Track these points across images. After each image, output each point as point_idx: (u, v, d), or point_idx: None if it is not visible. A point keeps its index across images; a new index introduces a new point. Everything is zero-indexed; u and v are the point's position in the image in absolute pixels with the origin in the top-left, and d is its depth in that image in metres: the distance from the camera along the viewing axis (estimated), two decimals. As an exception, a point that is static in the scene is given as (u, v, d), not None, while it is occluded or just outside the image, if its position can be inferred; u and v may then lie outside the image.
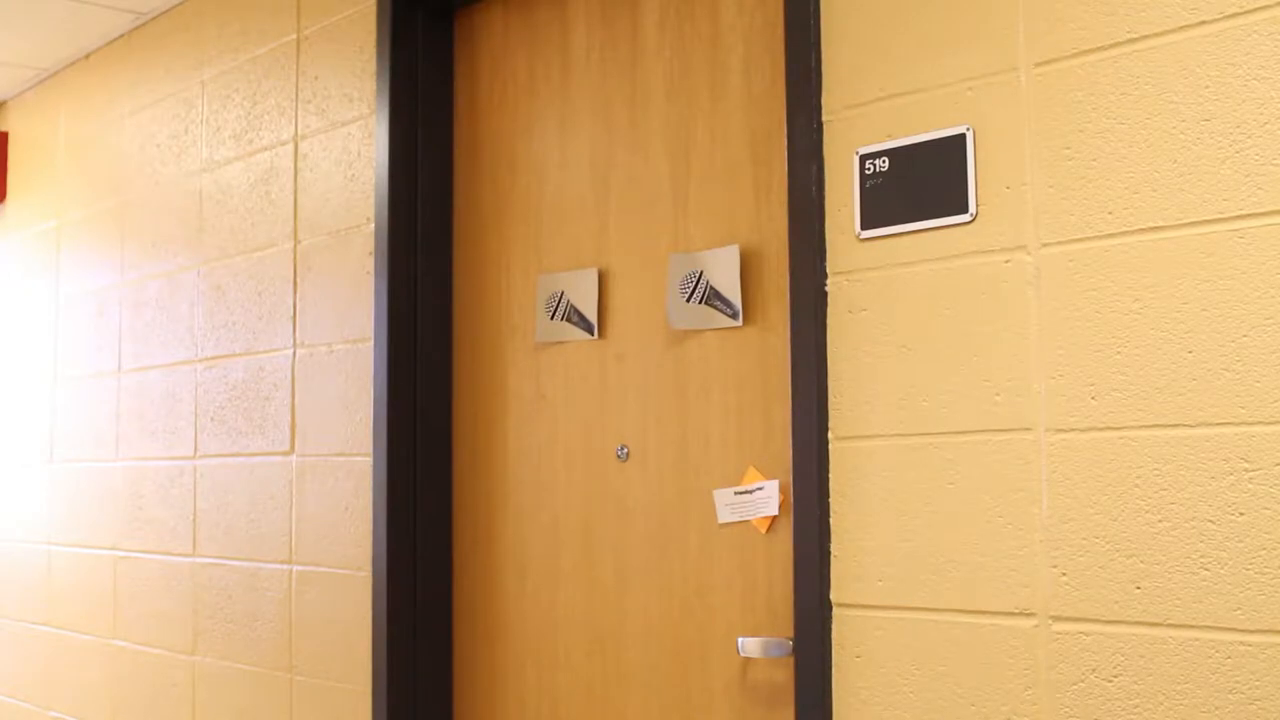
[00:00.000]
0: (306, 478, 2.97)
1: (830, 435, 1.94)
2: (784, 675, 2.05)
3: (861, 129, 1.93)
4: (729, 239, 2.23)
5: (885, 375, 1.88)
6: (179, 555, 3.38)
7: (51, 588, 3.99)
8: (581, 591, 2.44)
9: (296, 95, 3.10)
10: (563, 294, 2.50)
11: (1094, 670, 1.64)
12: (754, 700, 2.13)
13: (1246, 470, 1.52)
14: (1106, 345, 1.65)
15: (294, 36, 3.13)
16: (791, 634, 1.98)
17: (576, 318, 2.47)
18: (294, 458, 3.00)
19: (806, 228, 1.98)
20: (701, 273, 2.23)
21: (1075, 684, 1.65)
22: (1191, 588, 1.56)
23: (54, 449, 4.03)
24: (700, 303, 2.24)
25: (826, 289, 1.96)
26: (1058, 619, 1.68)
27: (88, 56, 4.02)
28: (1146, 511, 1.60)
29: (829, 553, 1.93)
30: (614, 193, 2.44)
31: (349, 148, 2.92)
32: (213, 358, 3.31)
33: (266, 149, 3.19)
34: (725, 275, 2.20)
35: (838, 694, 1.90)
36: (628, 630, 2.34)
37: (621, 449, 2.38)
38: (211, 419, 3.29)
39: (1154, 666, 1.58)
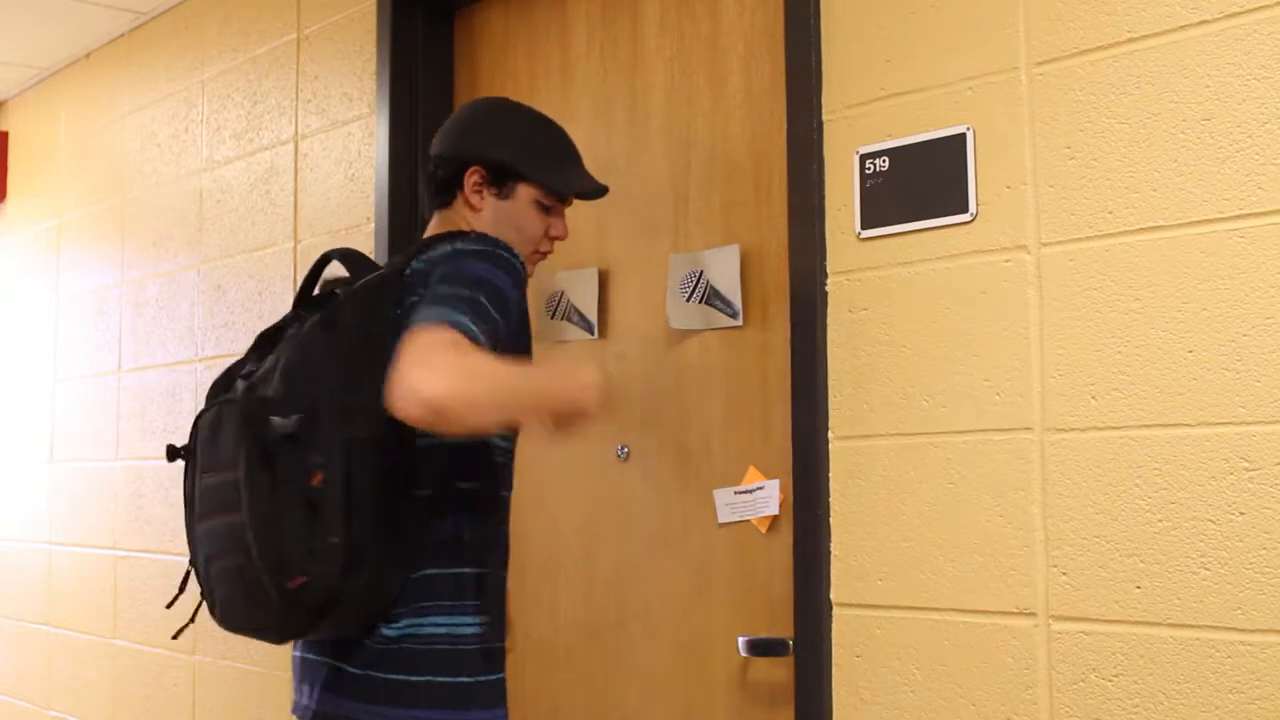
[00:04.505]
0: (306, 477, 2.96)
1: (830, 435, 1.94)
2: (784, 675, 2.05)
3: (861, 129, 1.93)
4: (729, 239, 2.23)
5: (885, 375, 1.88)
6: (179, 555, 3.38)
7: (51, 588, 3.99)
8: (582, 591, 2.44)
9: (296, 95, 3.10)
10: (563, 294, 2.50)
11: (1094, 670, 1.64)
12: (754, 700, 2.13)
13: (1246, 470, 1.52)
14: (1106, 345, 1.65)
15: (294, 36, 3.13)
16: (791, 634, 1.98)
17: (576, 317, 2.46)
18: (294, 457, 3.00)
19: (806, 228, 1.98)
20: (701, 272, 2.23)
21: (1075, 684, 1.65)
22: (1191, 588, 1.56)
23: (54, 449, 4.04)
24: (700, 302, 2.24)
25: (826, 289, 1.96)
26: (1058, 619, 1.68)
27: (88, 56, 4.02)
28: (1146, 511, 1.60)
29: (829, 553, 1.93)
30: (614, 192, 2.43)
31: (349, 148, 2.92)
32: (213, 357, 3.31)
33: (266, 149, 3.19)
34: (725, 275, 2.20)
35: (838, 694, 1.90)
36: (628, 629, 2.34)
37: (621, 449, 2.38)
38: (211, 419, 3.29)
39: (1154, 666, 1.58)
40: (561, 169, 1.96)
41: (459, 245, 1.80)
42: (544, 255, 2.00)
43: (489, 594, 1.81)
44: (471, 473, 1.82)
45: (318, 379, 1.69)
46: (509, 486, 1.87)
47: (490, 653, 1.80)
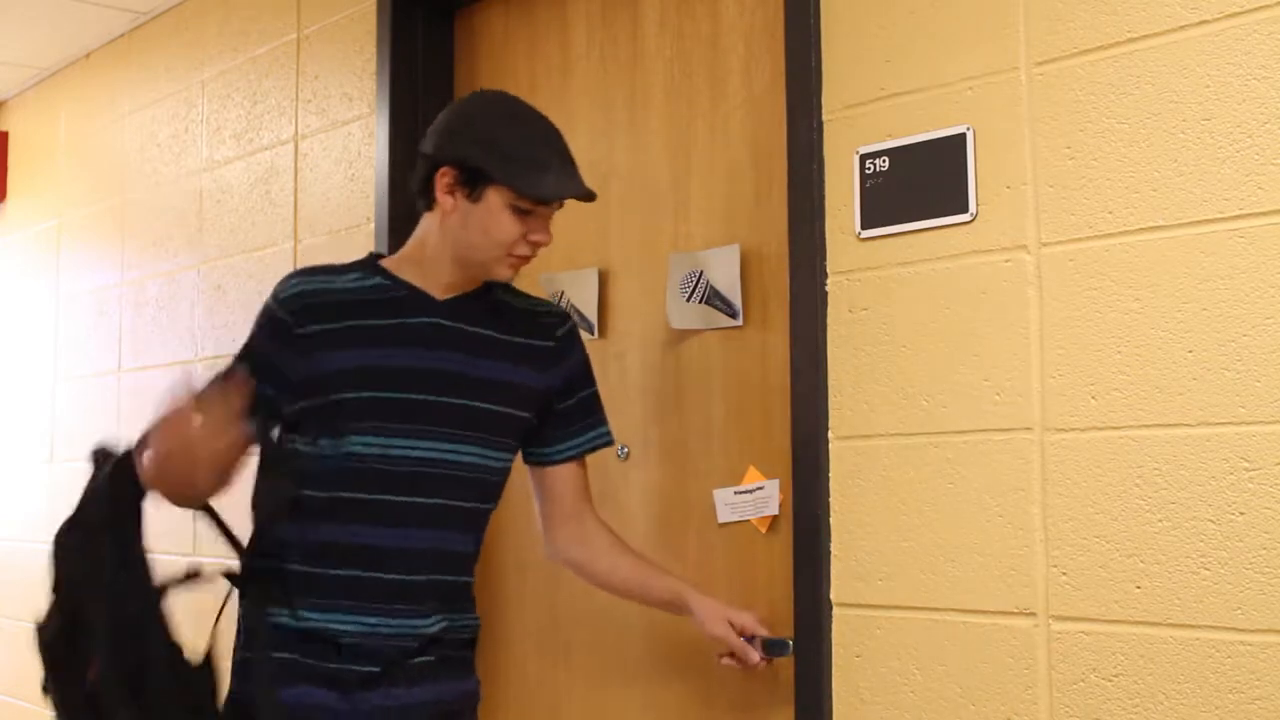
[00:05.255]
0: (306, 477, 2.96)
1: (830, 435, 1.94)
2: (784, 675, 2.04)
3: (861, 129, 1.93)
4: (729, 239, 2.23)
5: (885, 375, 1.88)
6: (179, 555, 3.38)
7: (52, 587, 3.98)
8: (582, 590, 2.43)
9: (296, 95, 3.10)
10: (563, 294, 2.50)
11: (1094, 670, 1.64)
12: (754, 700, 2.13)
13: (1246, 470, 1.52)
14: (1106, 345, 1.65)
15: (294, 36, 3.13)
16: (791, 634, 1.98)
17: (577, 317, 2.46)
18: (294, 457, 3.00)
19: (806, 228, 1.98)
20: (701, 272, 2.23)
21: (1075, 684, 1.65)
22: (1191, 588, 1.56)
23: (54, 449, 4.04)
24: (700, 302, 2.24)
25: (826, 289, 1.96)
26: (1058, 619, 1.68)
27: (88, 56, 4.02)
28: (1146, 511, 1.60)
29: (829, 553, 1.93)
30: (614, 193, 2.43)
31: (349, 147, 2.92)
32: (213, 357, 3.31)
33: (266, 149, 3.19)
34: (725, 275, 2.20)
35: (838, 694, 1.90)
36: (629, 629, 2.33)
37: (621, 449, 2.38)
38: (211, 419, 3.29)
39: (1154, 666, 1.58)
40: (537, 172, 1.85)
41: None
42: (523, 259, 1.92)
43: (289, 587, 1.92)
44: (313, 480, 1.91)
45: (73, 578, 1.92)
46: (353, 489, 1.90)
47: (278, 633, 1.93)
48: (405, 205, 2.77)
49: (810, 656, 1.93)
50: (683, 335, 2.29)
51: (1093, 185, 1.68)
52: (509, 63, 2.69)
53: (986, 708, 1.74)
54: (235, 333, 3.24)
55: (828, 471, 1.93)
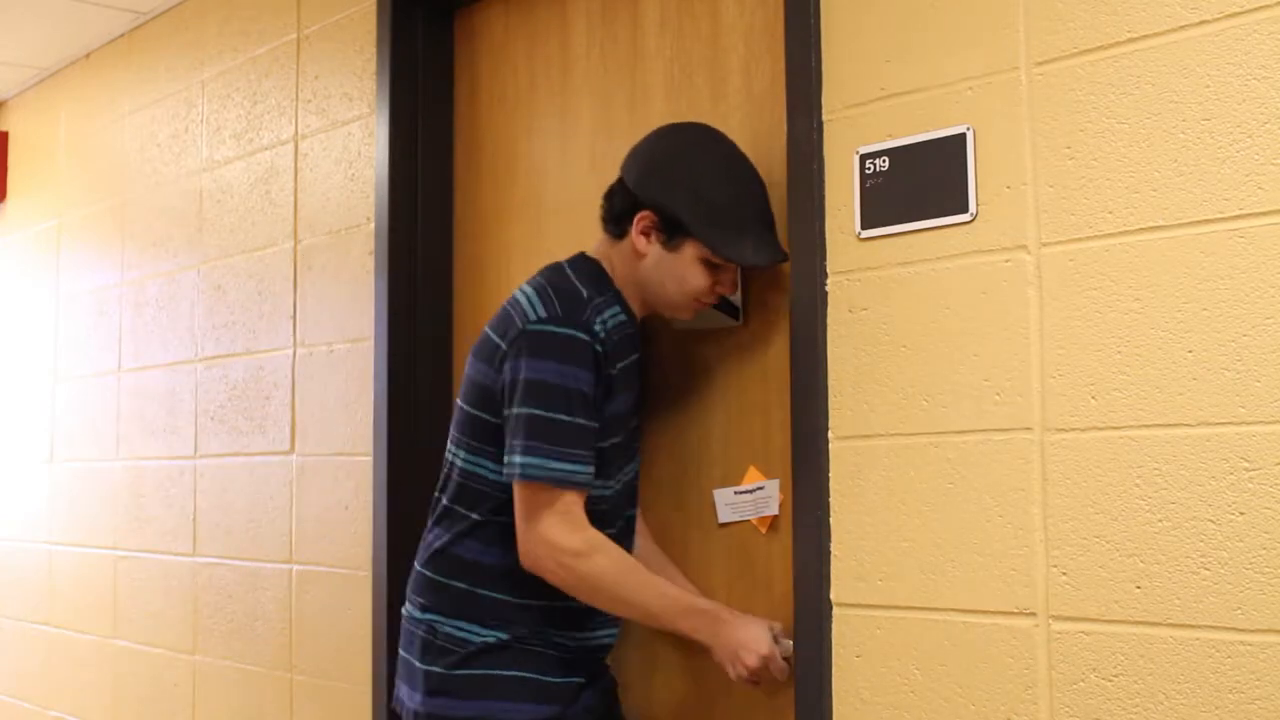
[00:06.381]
0: (306, 477, 2.97)
1: (830, 435, 1.94)
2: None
3: (861, 129, 1.93)
4: (729, 239, 2.22)
5: (885, 375, 1.88)
6: (179, 555, 3.38)
7: (51, 588, 3.99)
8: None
9: (296, 95, 3.11)
10: (563, 294, 2.50)
11: (1094, 670, 1.64)
12: (754, 700, 2.13)
13: (1246, 470, 1.52)
14: (1106, 345, 1.65)
15: (294, 36, 3.13)
16: (791, 634, 1.98)
17: (576, 317, 2.46)
18: (294, 457, 3.01)
19: (806, 228, 1.98)
20: (701, 273, 2.23)
21: (1075, 684, 1.65)
22: (1191, 588, 1.56)
23: (54, 449, 4.04)
24: (700, 302, 2.23)
25: (826, 289, 1.96)
26: (1058, 619, 1.68)
27: (88, 56, 4.02)
28: (1146, 511, 1.60)
29: (829, 553, 1.93)
30: (614, 192, 2.43)
31: (349, 147, 2.92)
32: (213, 357, 3.31)
33: (266, 149, 3.19)
34: (725, 275, 2.20)
35: (838, 694, 1.90)
36: (628, 630, 2.33)
37: (621, 449, 2.38)
38: (212, 418, 3.29)
39: (1154, 666, 1.58)
40: (737, 233, 1.91)
41: (527, 326, 1.87)
42: (704, 305, 2.01)
43: (498, 611, 1.96)
44: (498, 507, 1.95)
45: None
46: (601, 524, 1.94)
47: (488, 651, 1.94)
48: (405, 205, 2.79)
49: (810, 656, 1.93)
50: (683, 335, 2.29)
51: (1093, 185, 1.68)
52: (509, 63, 2.69)
53: (986, 708, 1.74)
54: (235, 332, 3.24)
55: (828, 471, 1.93)
